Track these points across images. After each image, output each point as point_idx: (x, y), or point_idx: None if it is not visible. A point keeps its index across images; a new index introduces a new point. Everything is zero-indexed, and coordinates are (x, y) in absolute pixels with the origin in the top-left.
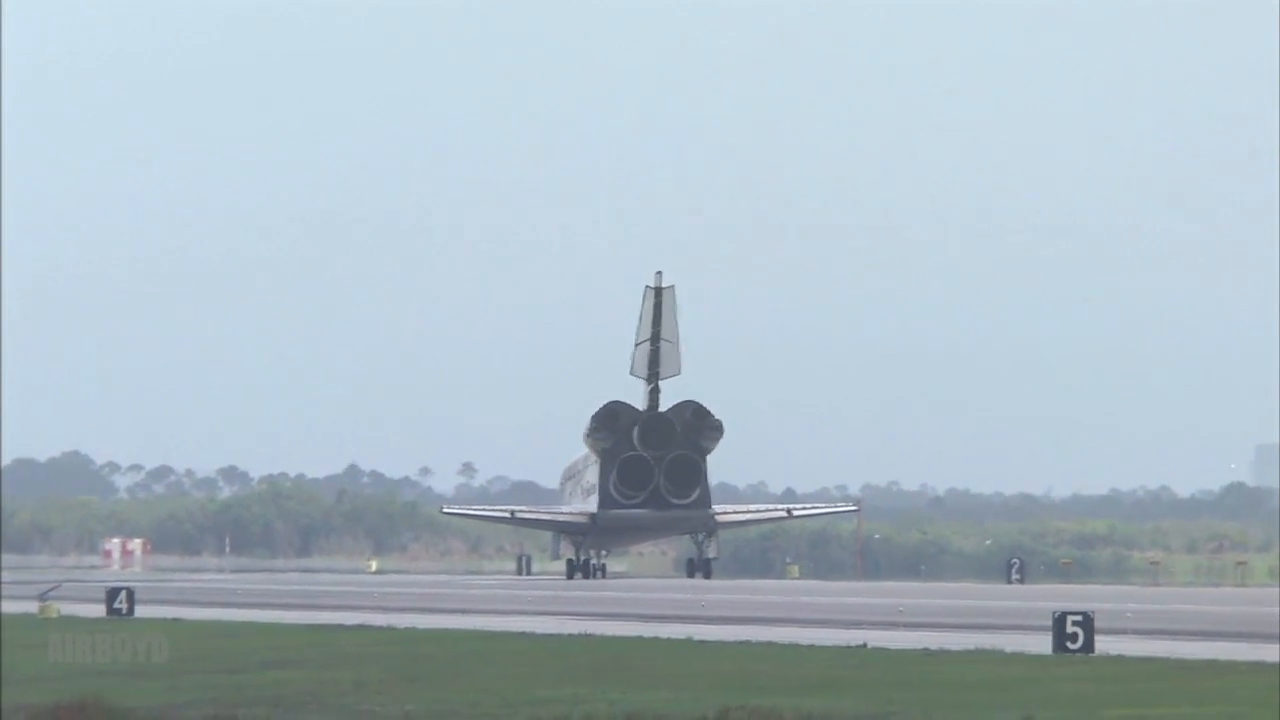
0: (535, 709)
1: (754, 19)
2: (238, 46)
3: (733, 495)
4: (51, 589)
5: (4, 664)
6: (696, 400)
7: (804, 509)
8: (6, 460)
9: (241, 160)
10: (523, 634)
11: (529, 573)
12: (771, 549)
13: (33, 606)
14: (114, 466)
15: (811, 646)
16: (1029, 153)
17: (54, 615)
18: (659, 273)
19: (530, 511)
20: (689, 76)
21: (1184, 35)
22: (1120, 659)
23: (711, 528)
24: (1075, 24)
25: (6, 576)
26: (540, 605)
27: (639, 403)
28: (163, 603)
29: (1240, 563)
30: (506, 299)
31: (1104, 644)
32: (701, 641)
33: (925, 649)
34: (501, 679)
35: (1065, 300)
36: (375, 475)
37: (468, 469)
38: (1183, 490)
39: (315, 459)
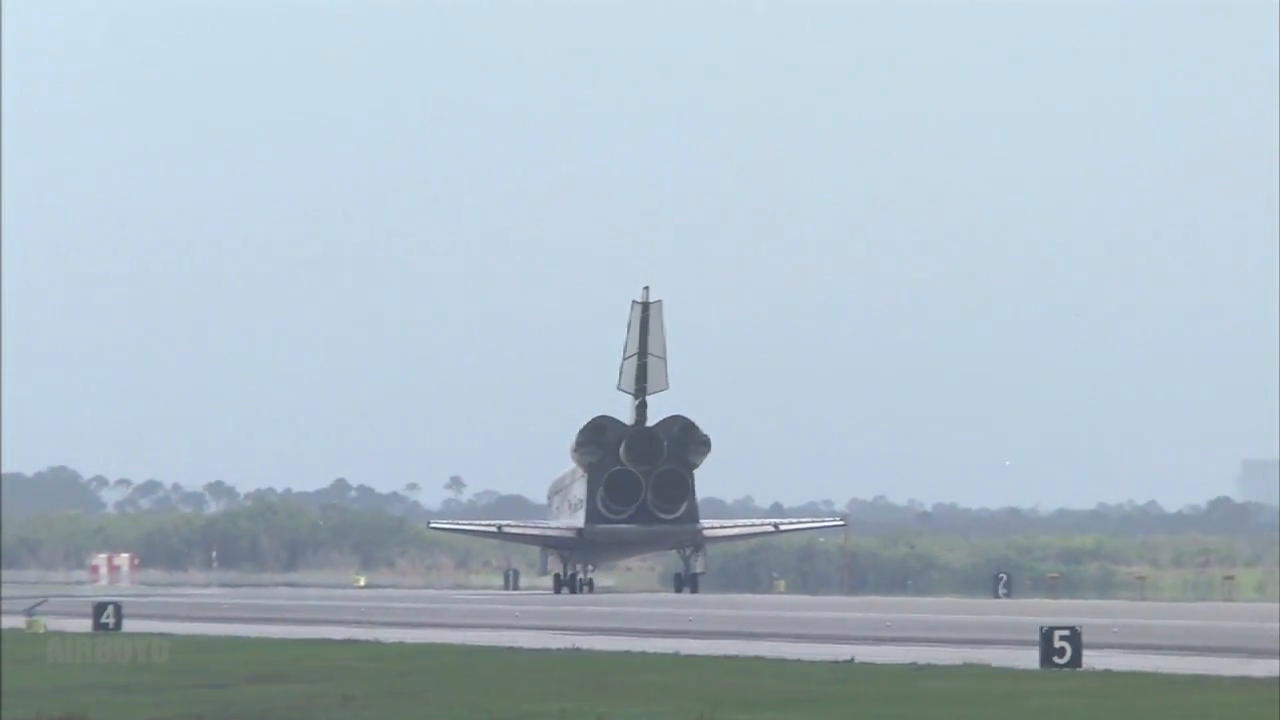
0: None
1: (744, 29)
2: (228, 53)
3: (720, 510)
4: (38, 604)
5: None
6: (684, 415)
7: (791, 524)
8: None
9: (228, 176)
10: (510, 648)
11: (516, 587)
12: (759, 564)
13: (19, 621)
14: (102, 481)
15: (798, 661)
16: (1021, 167)
17: (41, 630)
18: (646, 288)
19: (518, 526)
20: (678, 88)
21: (1184, 46)
22: (1108, 674)
23: (699, 543)
24: (1077, 27)
25: None
26: (527, 620)
27: (626, 417)
28: (150, 617)
29: (1227, 577)
30: (494, 313)
31: (1091, 659)
32: (688, 656)
33: (913, 663)
34: (488, 693)
35: (1053, 315)
36: (363, 490)
37: (455, 484)
38: (1170, 505)
39: (303, 474)
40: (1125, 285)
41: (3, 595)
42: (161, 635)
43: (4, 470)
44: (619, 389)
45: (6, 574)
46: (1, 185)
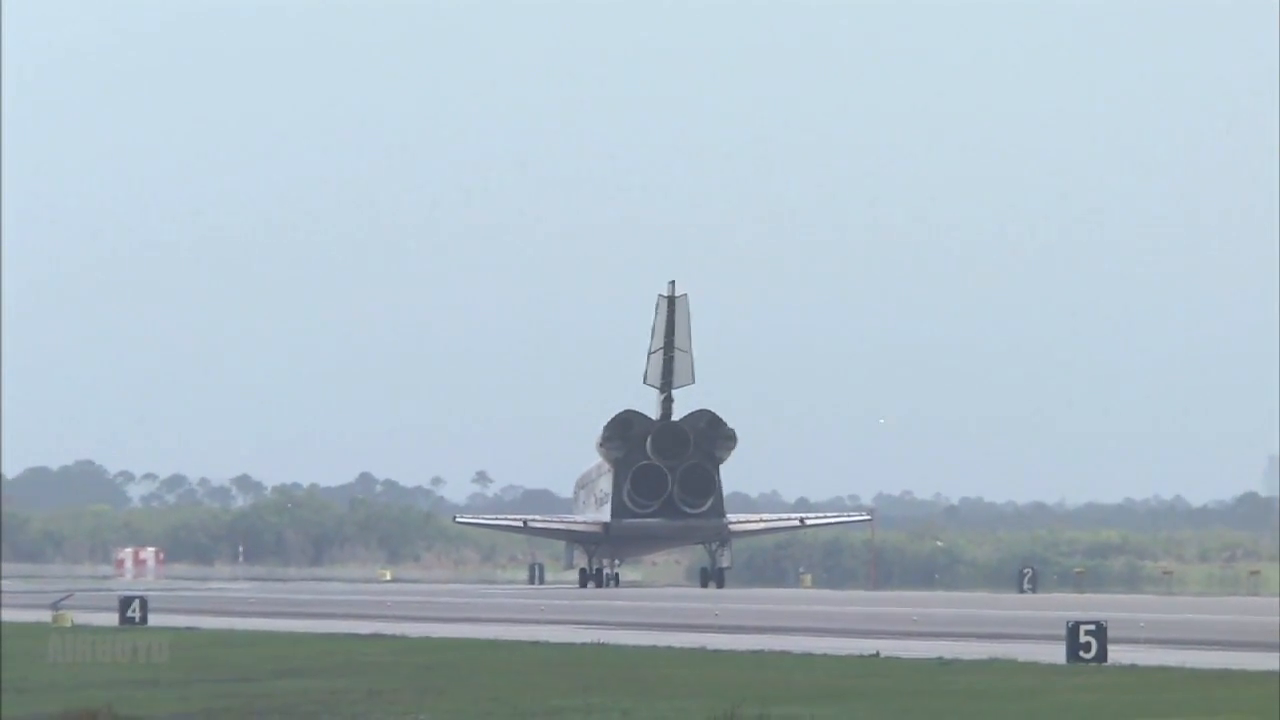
0: (549, 718)
1: (764, 24)
2: (243, 37)
3: (746, 504)
4: (65, 598)
5: (14, 673)
6: (710, 409)
7: (817, 518)
8: (19, 469)
9: (249, 168)
10: (536, 643)
11: (542, 582)
12: (785, 558)
13: (46, 615)
14: (128, 476)
15: (824, 656)
16: (1037, 157)
17: (68, 624)
18: (672, 282)
19: (543, 521)
20: (703, 82)
21: (1185, 39)
22: (1133, 668)
23: (725, 537)
24: (1077, 25)
25: (20, 586)
26: (553, 614)
27: (652, 412)
28: (176, 611)
29: (1253, 572)
30: (520, 307)
31: (1117, 653)
32: (715, 650)
33: (939, 658)
34: (515, 688)
35: (1079, 308)
36: (389, 484)
37: (481, 478)
38: (1196, 500)
39: (328, 468)
40: (1151, 280)
41: (2, 590)
42: (185, 629)
43: (31, 464)
44: (645, 383)
45: (32, 568)
46: (2, 177)
